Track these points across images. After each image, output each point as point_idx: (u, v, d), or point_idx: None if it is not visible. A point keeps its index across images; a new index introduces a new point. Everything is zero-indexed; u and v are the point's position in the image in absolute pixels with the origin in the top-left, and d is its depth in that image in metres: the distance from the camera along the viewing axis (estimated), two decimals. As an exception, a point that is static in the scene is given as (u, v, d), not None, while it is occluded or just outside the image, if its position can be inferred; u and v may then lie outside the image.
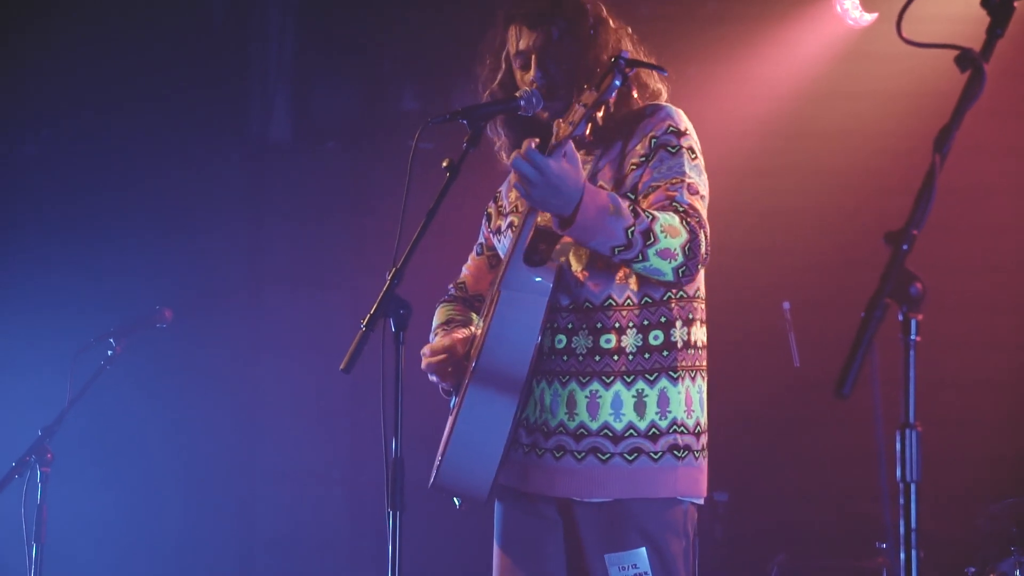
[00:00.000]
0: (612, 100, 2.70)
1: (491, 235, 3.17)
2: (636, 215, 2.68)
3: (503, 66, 3.02)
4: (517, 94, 2.91)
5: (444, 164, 2.77)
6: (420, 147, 2.79)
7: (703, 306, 2.96)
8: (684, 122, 2.92)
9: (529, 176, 2.62)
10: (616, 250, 2.68)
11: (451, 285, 3.28)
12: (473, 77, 3.11)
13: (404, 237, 2.70)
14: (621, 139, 2.91)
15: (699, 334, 2.93)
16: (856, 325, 1.82)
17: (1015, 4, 1.92)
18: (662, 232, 2.69)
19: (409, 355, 2.79)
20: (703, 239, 2.75)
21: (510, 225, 3.06)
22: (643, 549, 2.82)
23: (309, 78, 6.21)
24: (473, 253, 3.26)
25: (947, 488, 4.88)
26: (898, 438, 1.83)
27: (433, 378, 3.03)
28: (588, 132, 2.70)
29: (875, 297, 1.82)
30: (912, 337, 1.84)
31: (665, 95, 3.02)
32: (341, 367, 2.59)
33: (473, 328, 3.09)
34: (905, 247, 1.84)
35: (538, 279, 2.79)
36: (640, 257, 2.69)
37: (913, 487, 1.83)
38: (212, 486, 5.91)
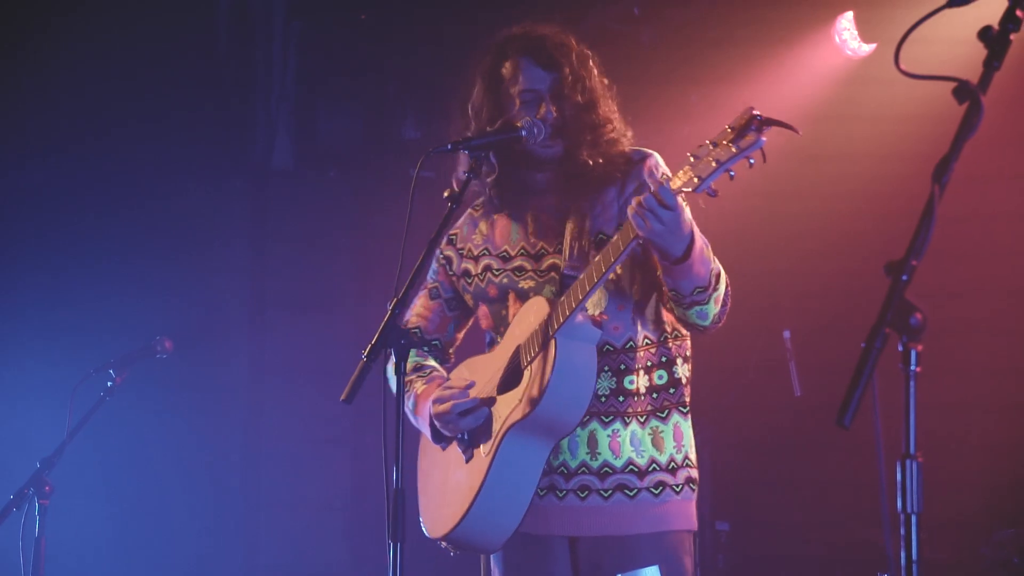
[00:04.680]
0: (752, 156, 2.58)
1: (452, 279, 3.11)
2: (712, 259, 2.76)
3: (499, 96, 3.01)
4: (519, 124, 2.91)
5: (446, 194, 2.77)
6: (422, 176, 2.80)
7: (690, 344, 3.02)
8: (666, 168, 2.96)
9: (662, 217, 2.59)
10: (697, 291, 2.74)
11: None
12: (461, 99, 3.09)
13: (406, 267, 2.71)
14: (611, 184, 2.92)
15: (689, 371, 3.00)
16: (857, 354, 1.82)
17: (1011, 37, 1.93)
18: (722, 279, 2.79)
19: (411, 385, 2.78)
20: (730, 288, 2.85)
21: (500, 271, 2.99)
22: (656, 567, 2.84)
23: (312, 106, 6.24)
24: (424, 296, 3.16)
25: (950, 514, 4.86)
26: (899, 468, 1.83)
27: (442, 423, 2.92)
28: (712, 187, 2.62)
29: (875, 328, 1.83)
30: (912, 368, 1.84)
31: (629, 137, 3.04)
32: (342, 398, 2.59)
33: (455, 375, 3.04)
34: (905, 277, 1.84)
35: (593, 329, 2.79)
36: (706, 300, 2.76)
37: (914, 518, 1.82)
38: (213, 516, 5.89)
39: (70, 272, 5.74)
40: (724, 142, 2.56)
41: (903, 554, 1.82)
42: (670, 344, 2.93)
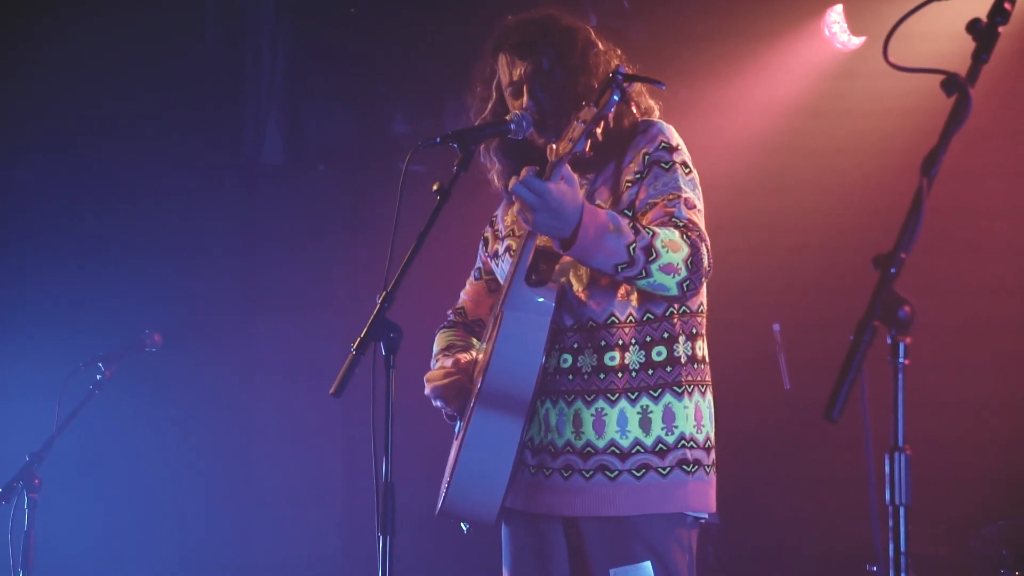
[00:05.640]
0: (611, 115, 2.72)
1: (488, 259, 3.18)
2: (636, 232, 2.70)
3: (494, 95, 3.05)
4: (508, 117, 2.93)
5: (435, 187, 2.78)
6: (411, 170, 2.80)
7: (705, 321, 2.97)
8: (675, 137, 2.95)
9: (530, 202, 2.63)
10: (619, 268, 2.69)
11: (450, 311, 3.28)
12: (464, 107, 3.12)
13: (395, 260, 2.71)
14: (614, 157, 2.93)
15: (703, 349, 2.95)
16: (845, 347, 1.82)
17: (999, 30, 1.94)
18: (663, 247, 2.71)
19: (399, 378, 2.80)
20: (705, 252, 2.77)
21: (508, 249, 3.07)
22: (648, 563, 2.82)
23: (301, 101, 6.23)
24: (471, 278, 3.26)
25: (938, 509, 4.87)
26: (887, 461, 1.83)
27: (438, 403, 3.03)
28: (588, 148, 2.71)
29: (863, 321, 1.83)
30: (900, 360, 1.84)
31: (657, 112, 3.04)
32: (331, 391, 2.59)
33: (475, 352, 3.10)
34: (893, 270, 1.84)
35: (540, 299, 2.80)
36: (644, 273, 2.70)
37: (902, 510, 1.83)
38: (204, 510, 5.88)
39: (59, 267, 5.72)
40: (590, 104, 2.70)
41: (891, 546, 1.83)
42: (675, 320, 2.88)
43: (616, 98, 2.64)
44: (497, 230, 3.17)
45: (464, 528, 2.97)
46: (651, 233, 2.71)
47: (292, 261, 6.12)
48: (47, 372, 4.62)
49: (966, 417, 5.62)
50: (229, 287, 6.09)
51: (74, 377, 4.41)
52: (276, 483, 6.00)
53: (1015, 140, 5.57)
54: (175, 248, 5.89)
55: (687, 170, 2.90)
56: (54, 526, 4.68)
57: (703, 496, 2.91)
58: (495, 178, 3.10)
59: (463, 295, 3.27)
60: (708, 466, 2.92)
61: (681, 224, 2.77)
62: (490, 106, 3.06)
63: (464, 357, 3.05)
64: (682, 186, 2.85)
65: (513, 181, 2.66)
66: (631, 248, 2.67)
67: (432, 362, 3.15)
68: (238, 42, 6.12)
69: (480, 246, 3.23)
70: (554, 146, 2.72)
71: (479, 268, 3.24)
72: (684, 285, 2.74)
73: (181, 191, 5.91)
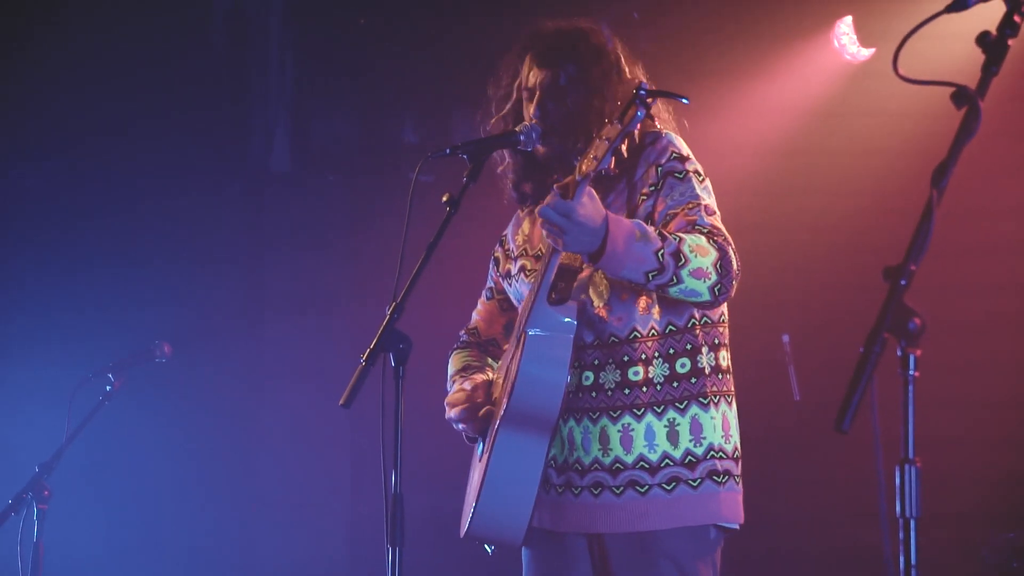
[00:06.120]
0: (636, 131, 2.67)
1: (500, 279, 3.16)
2: (663, 238, 2.69)
3: (515, 94, 3.03)
4: (517, 128, 2.92)
5: (444, 198, 2.77)
6: (420, 180, 2.80)
7: (727, 331, 2.96)
8: (684, 147, 2.94)
9: (559, 224, 2.61)
10: (650, 275, 2.68)
11: (463, 331, 3.27)
12: (486, 98, 3.09)
13: (404, 271, 2.71)
14: (625, 171, 2.91)
15: (727, 359, 2.94)
16: (855, 358, 1.82)
17: (1009, 43, 1.94)
18: (692, 252, 2.70)
19: (409, 389, 2.80)
20: (732, 255, 2.76)
21: (522, 268, 3.04)
22: None
23: (309, 109, 6.23)
24: (483, 297, 3.25)
25: (948, 512, 4.86)
26: (897, 473, 1.83)
27: (459, 427, 3.00)
28: (612, 165, 2.69)
29: (873, 332, 1.83)
30: (911, 372, 1.84)
31: (674, 124, 3.03)
32: (341, 402, 2.59)
33: (491, 373, 3.09)
34: (903, 282, 1.84)
35: (565, 318, 2.79)
36: (675, 279, 2.69)
37: (913, 523, 1.82)
38: (212, 520, 5.88)
39: (67, 275, 5.73)
40: (614, 120, 2.62)
41: (902, 559, 1.82)
42: (697, 331, 2.87)
43: (641, 114, 2.59)
44: (508, 250, 3.15)
45: (488, 550, 2.96)
46: (678, 239, 2.70)
47: (300, 269, 6.12)
48: (56, 382, 4.62)
49: (978, 417, 5.60)
50: (236, 295, 6.09)
51: (83, 387, 4.41)
52: (284, 493, 6.00)
53: (1021, 139, 5.56)
54: (183, 256, 5.89)
55: (700, 178, 2.89)
56: (63, 537, 4.67)
57: (734, 506, 2.90)
58: (509, 187, 3.08)
59: (475, 315, 3.25)
60: (737, 476, 2.92)
61: (705, 230, 2.77)
62: (510, 104, 3.02)
63: (481, 378, 3.04)
64: (699, 194, 2.85)
65: (540, 206, 2.64)
66: (659, 254, 2.66)
67: (448, 384, 3.13)
68: (246, 50, 6.13)
69: (491, 266, 3.21)
70: (577, 164, 2.68)
71: (491, 288, 3.22)
72: (716, 289, 2.73)
73: (188, 199, 5.91)
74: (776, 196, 5.74)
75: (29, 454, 4.37)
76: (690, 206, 2.82)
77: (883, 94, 5.57)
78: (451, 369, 3.16)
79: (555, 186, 2.65)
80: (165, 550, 5.80)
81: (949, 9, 2.03)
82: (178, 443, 5.80)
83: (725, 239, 2.77)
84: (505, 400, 2.78)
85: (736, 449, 2.92)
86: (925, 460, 1.84)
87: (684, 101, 2.74)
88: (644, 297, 2.82)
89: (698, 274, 2.70)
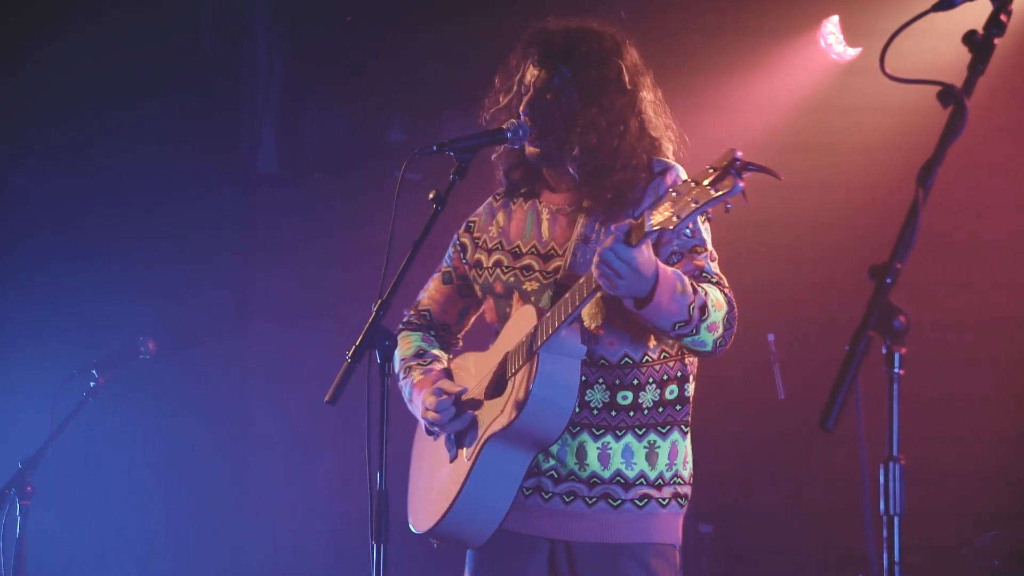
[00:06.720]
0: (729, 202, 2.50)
1: (464, 266, 3.12)
2: (695, 291, 2.69)
3: (515, 88, 3.00)
4: (505, 126, 2.90)
5: (431, 196, 2.77)
6: (407, 178, 2.80)
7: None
8: None
9: (619, 270, 2.56)
10: (677, 326, 2.69)
11: (410, 311, 3.21)
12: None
13: (390, 268, 2.71)
14: (632, 193, 2.86)
15: (694, 389, 2.97)
16: (841, 357, 1.83)
17: (995, 42, 1.94)
18: (712, 307, 2.71)
19: (394, 386, 2.78)
20: (735, 309, 2.78)
21: (498, 263, 3.00)
22: None
23: (297, 109, 6.23)
24: (438, 280, 3.18)
25: (932, 511, 4.87)
26: (882, 471, 1.84)
27: (437, 426, 2.94)
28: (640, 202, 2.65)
29: (859, 331, 1.83)
30: (896, 370, 1.85)
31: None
32: (326, 399, 2.59)
33: (446, 362, 3.07)
34: (889, 281, 1.85)
35: (579, 345, 2.78)
36: (694, 331, 2.70)
37: (896, 520, 1.83)
38: (198, 517, 5.87)
39: (54, 273, 5.72)
40: (704, 183, 2.49)
41: (885, 556, 1.83)
42: (685, 360, 2.91)
43: (740, 188, 2.45)
44: (479, 239, 3.08)
45: (434, 543, 2.98)
46: (704, 292, 2.71)
47: (287, 268, 6.12)
48: (40, 379, 4.62)
49: (967, 415, 5.61)
50: (224, 294, 6.08)
51: (68, 384, 4.40)
52: (270, 490, 5.99)
53: (1014, 136, 5.58)
54: (170, 255, 5.88)
55: (703, 218, 2.84)
56: (46, 533, 4.66)
57: (681, 528, 2.97)
58: (501, 175, 3.06)
59: (424, 295, 3.19)
60: (685, 501, 2.96)
61: (715, 280, 2.78)
62: (509, 98, 2.99)
63: (439, 367, 3.02)
64: (706, 238, 2.85)
65: (601, 248, 2.57)
66: (691, 308, 2.68)
67: (398, 365, 3.06)
68: (234, 50, 6.12)
69: (454, 249, 3.15)
70: (649, 210, 2.55)
71: (448, 271, 3.15)
72: (718, 342, 2.75)
73: (176, 198, 5.90)
74: (760, 193, 5.74)
75: (13, 450, 4.36)
76: (697, 251, 2.82)
77: (870, 91, 5.57)
78: (404, 351, 3.11)
79: (615, 227, 2.59)
80: (149, 548, 5.79)
81: (936, 8, 2.04)
82: (163, 441, 5.79)
83: (729, 290, 2.80)
84: (507, 418, 2.76)
85: (691, 476, 2.97)
86: (909, 458, 1.84)
87: (779, 177, 2.54)
88: (631, 326, 2.81)
89: (712, 328, 2.72)
